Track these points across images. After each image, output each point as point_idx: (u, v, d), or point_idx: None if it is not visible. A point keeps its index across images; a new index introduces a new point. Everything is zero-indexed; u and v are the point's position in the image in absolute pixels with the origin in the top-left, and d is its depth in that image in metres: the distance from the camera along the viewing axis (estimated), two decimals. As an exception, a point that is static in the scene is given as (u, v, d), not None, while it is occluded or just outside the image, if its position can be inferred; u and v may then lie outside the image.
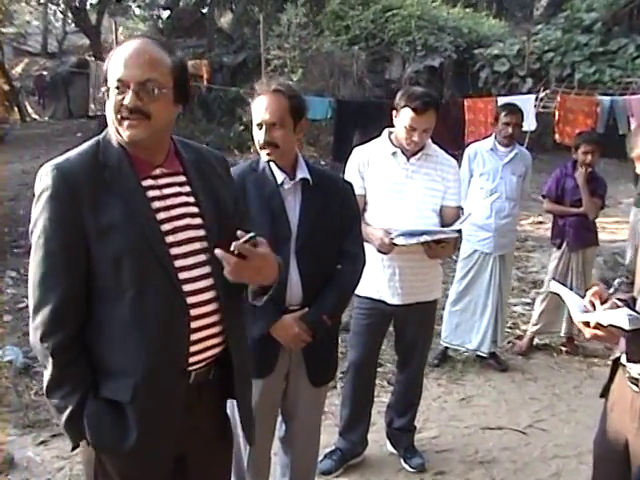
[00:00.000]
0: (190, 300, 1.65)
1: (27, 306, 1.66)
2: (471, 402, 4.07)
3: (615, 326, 1.74)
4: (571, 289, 2.63)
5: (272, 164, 2.38)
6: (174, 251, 1.64)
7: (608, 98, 8.51)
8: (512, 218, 4.44)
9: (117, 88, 1.58)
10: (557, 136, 8.41)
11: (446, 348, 4.61)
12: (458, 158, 3.53)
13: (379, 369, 3.54)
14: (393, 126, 3.03)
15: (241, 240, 1.59)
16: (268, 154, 2.35)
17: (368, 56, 14.43)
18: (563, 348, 4.86)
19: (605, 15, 13.70)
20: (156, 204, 1.64)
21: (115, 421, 1.62)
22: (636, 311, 1.81)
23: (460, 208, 3.12)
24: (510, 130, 4.28)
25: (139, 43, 1.62)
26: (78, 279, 1.59)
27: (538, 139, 10.37)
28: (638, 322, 1.72)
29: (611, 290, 2.10)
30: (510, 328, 5.19)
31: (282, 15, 13.54)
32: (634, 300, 1.93)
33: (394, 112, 2.98)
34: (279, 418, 2.62)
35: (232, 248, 1.58)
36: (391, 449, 3.42)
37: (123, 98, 1.57)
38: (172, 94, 1.63)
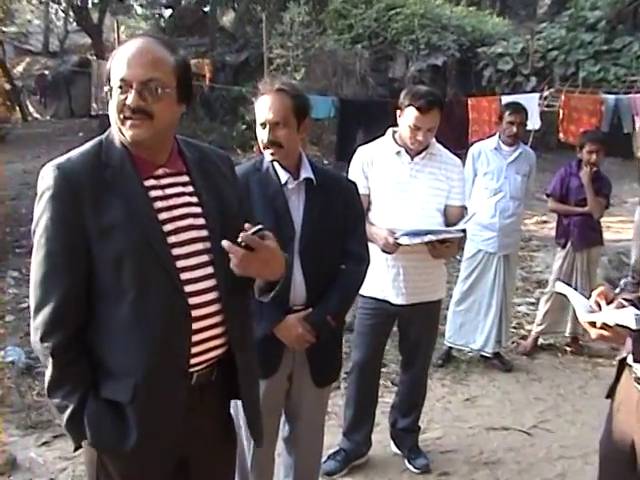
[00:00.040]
0: (192, 301, 1.63)
1: (29, 306, 1.65)
2: (475, 402, 4.06)
3: (622, 326, 1.73)
4: (576, 289, 2.62)
5: (276, 164, 2.37)
6: (176, 252, 1.62)
7: (613, 97, 8.45)
8: (516, 217, 4.42)
9: (120, 88, 1.57)
10: (561, 135, 8.35)
11: (450, 348, 4.59)
12: (462, 157, 3.51)
13: (383, 369, 3.53)
14: (397, 125, 3.02)
15: (249, 232, 1.57)
16: (272, 154, 2.33)
17: (371, 55, 14.40)
18: (568, 348, 4.84)
19: (609, 13, 13.66)
20: (158, 204, 1.63)
21: (115, 421, 1.61)
22: (643, 311, 1.80)
23: (464, 208, 3.10)
24: (514, 129, 4.25)
25: (142, 42, 1.61)
26: (79, 279, 1.58)
27: (542, 138, 10.34)
28: None
29: (617, 290, 2.09)
30: (514, 328, 5.16)
31: (285, 14, 13.49)
32: (640, 300, 1.91)
33: (398, 111, 2.97)
34: (282, 419, 2.61)
35: (239, 239, 1.55)
36: (395, 450, 3.41)
37: (126, 98, 1.56)
38: (175, 93, 1.62)
